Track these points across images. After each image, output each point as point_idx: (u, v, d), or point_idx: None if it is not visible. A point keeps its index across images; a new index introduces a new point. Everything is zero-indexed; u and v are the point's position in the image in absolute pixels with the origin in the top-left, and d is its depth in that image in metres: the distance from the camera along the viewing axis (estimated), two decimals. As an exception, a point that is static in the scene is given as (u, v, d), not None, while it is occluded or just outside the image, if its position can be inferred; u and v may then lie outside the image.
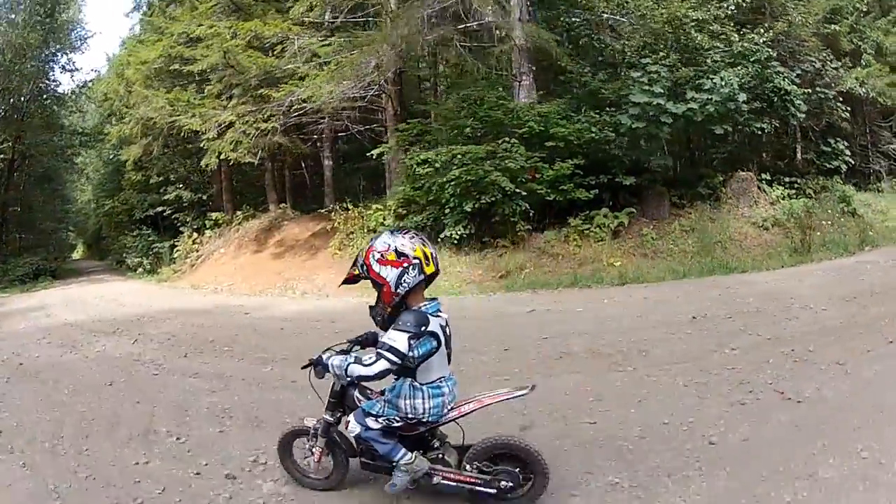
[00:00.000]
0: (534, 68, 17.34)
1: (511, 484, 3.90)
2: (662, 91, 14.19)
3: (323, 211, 22.94)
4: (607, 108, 15.37)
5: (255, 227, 24.47)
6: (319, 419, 4.35)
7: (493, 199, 14.21)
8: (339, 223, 19.71)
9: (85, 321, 13.83)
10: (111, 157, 34.36)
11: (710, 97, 14.10)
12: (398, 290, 3.80)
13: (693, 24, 15.84)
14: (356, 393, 4.23)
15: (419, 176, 15.98)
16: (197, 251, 25.39)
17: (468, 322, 9.50)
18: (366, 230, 18.72)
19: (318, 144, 24.90)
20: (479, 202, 14.37)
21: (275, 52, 20.05)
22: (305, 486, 4.56)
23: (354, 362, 3.81)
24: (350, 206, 20.23)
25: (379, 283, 3.84)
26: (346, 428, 4.15)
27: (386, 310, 3.90)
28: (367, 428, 3.98)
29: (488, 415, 4.82)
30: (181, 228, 27.07)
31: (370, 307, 4.01)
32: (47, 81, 31.17)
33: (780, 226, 15.25)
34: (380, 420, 3.96)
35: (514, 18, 16.74)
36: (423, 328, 3.72)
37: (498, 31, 17.19)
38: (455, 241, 15.23)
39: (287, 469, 4.69)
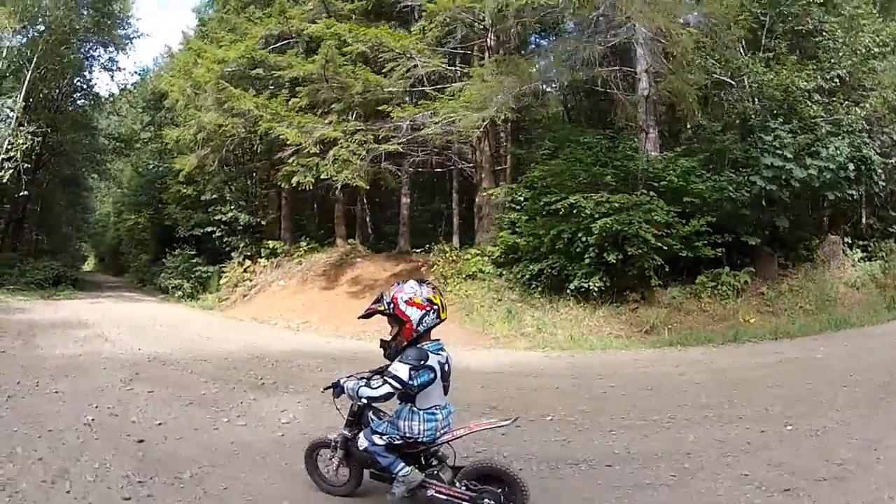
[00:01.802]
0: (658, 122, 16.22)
1: (493, 501, 4.20)
2: (790, 156, 13.99)
3: (396, 251, 21.12)
4: (739, 169, 14.86)
5: (321, 261, 21.33)
6: (339, 434, 4.81)
7: (638, 251, 13.22)
8: (438, 266, 17.52)
9: (174, 356, 10.95)
10: (150, 167, 30.59)
11: (826, 164, 14.02)
12: (419, 329, 4.34)
13: (802, 93, 15.33)
14: (370, 414, 4.67)
15: (536, 222, 15.23)
16: (249, 280, 21.91)
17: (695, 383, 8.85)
18: (463, 276, 16.76)
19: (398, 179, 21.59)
20: (621, 253, 13.39)
21: (383, 71, 17.41)
22: (324, 491, 4.97)
23: (365, 385, 4.37)
24: (447, 250, 18.22)
25: (402, 321, 4.34)
26: (357, 444, 4.58)
27: (402, 343, 4.37)
28: (373, 443, 4.43)
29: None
30: (231, 254, 23.47)
31: (382, 341, 4.55)
32: (86, 76, 27.89)
33: (866, 286, 15.22)
34: (384, 438, 4.42)
35: (640, 69, 15.72)
36: (422, 362, 4.23)
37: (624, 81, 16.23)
38: (583, 293, 14.10)
39: (310, 475, 5.07)
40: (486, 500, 4.24)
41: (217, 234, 23.36)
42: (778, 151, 13.99)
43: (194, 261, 23.96)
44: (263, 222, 23.70)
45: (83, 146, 27.96)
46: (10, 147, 22.19)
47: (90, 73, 28.38)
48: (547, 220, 14.86)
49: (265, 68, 18.86)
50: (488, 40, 18.54)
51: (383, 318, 4.51)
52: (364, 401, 4.47)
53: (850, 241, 16.57)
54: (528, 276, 15.19)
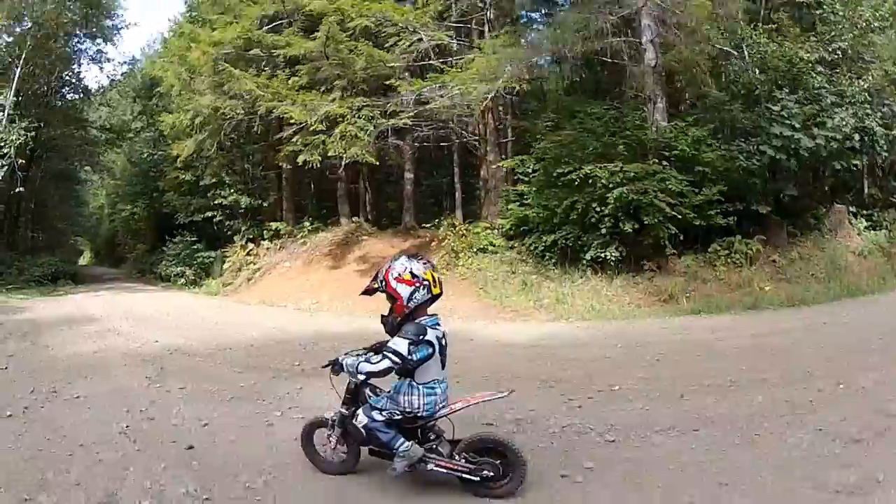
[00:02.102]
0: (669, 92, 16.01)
1: (492, 474, 4.25)
2: (798, 126, 13.94)
3: (402, 228, 20.76)
4: (748, 138, 14.78)
5: (326, 240, 20.91)
6: (336, 412, 4.72)
7: (654, 220, 13.13)
8: (449, 240, 17.09)
9: (195, 346, 10.42)
10: (144, 156, 29.87)
11: (832, 135, 14.00)
12: (409, 304, 4.29)
13: (805, 64, 15.24)
14: (367, 391, 4.62)
15: (547, 194, 15.06)
16: (254, 264, 21.47)
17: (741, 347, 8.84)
18: (474, 250, 16.57)
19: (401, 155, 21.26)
20: (637, 223, 13.28)
21: (385, 46, 17.13)
22: (322, 471, 4.84)
23: (364, 361, 4.30)
24: (456, 224, 17.81)
25: (394, 297, 4.30)
26: (356, 421, 4.48)
27: (396, 319, 4.34)
28: (373, 419, 4.38)
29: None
30: (233, 238, 22.93)
31: (382, 316, 4.46)
32: (75, 70, 27.17)
33: (872, 254, 15.49)
34: (383, 413, 4.38)
35: (646, 39, 15.43)
36: (420, 337, 4.19)
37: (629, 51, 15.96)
38: (599, 264, 14.01)
39: (307, 455, 4.97)
40: (486, 472, 4.29)
41: (218, 219, 22.89)
42: (786, 122, 13.96)
43: (195, 247, 23.50)
44: (265, 204, 23.18)
45: (75, 140, 27.35)
46: (2, 143, 21.52)
47: (79, 66, 27.70)
48: (559, 191, 14.64)
49: (263, 49, 18.28)
50: (488, 13, 18.18)
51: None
52: (363, 376, 4.38)
53: (853, 211, 16.84)
54: (541, 248, 15.12)
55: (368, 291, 4.50)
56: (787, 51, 15.07)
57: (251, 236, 22.30)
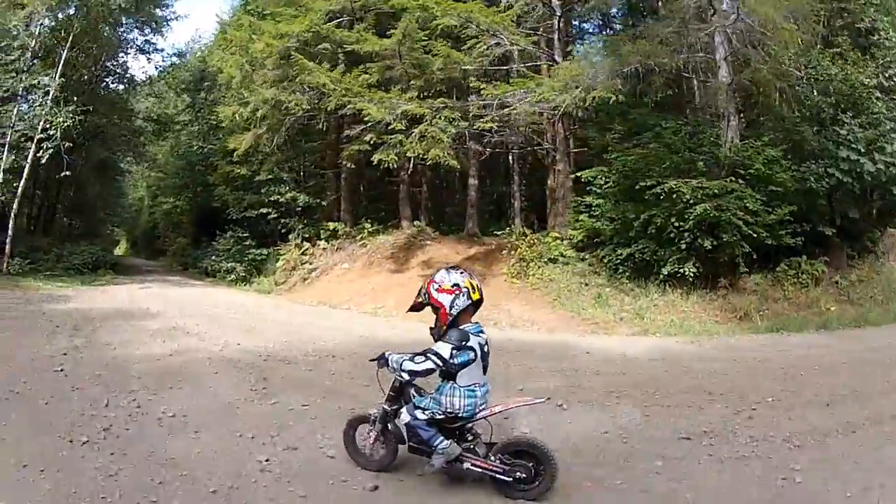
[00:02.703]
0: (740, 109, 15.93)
1: (525, 475, 4.48)
2: (863, 150, 13.96)
3: (465, 234, 20.41)
4: (817, 160, 14.64)
5: (387, 243, 20.37)
6: (379, 408, 4.95)
7: (731, 238, 13.06)
8: (520, 248, 16.68)
9: (287, 352, 9.71)
10: (193, 148, 29.36)
11: (891, 160, 14.11)
12: (451, 312, 4.57)
13: (866, 89, 15.14)
14: (412, 390, 4.83)
15: (622, 206, 15.07)
16: (309, 264, 20.94)
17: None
18: (544, 260, 16.21)
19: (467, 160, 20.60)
20: (715, 240, 13.21)
21: (463, 48, 16.62)
22: (360, 466, 5.02)
23: (409, 360, 4.57)
24: (527, 233, 17.61)
25: (437, 307, 4.61)
26: (399, 419, 4.76)
27: (442, 328, 4.61)
28: (415, 418, 4.62)
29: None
30: (287, 236, 22.44)
31: (430, 328, 4.75)
32: (121, 59, 26.76)
33: None
34: (426, 412, 4.61)
35: (720, 56, 15.30)
36: (463, 343, 4.47)
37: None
38: (676, 279, 13.85)
39: (348, 450, 5.15)
40: (519, 473, 4.50)
41: (272, 216, 22.32)
42: (853, 146, 13.97)
43: (246, 243, 22.98)
44: (323, 203, 22.63)
45: (119, 129, 26.79)
46: (48, 126, 20.94)
47: (125, 55, 27.15)
48: (636, 204, 14.50)
49: (331, 44, 17.65)
50: (557, 23, 17.91)
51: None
52: (405, 375, 4.61)
53: (905, 234, 16.74)
54: (615, 261, 14.89)
55: (416, 307, 4.83)
56: (849, 75, 15.03)
57: (306, 235, 21.79)
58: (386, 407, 4.92)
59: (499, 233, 19.30)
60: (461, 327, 4.61)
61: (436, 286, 4.65)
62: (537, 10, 17.56)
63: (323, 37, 17.99)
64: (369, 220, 21.83)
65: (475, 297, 4.67)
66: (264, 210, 22.30)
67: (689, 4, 14.97)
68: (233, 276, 22.37)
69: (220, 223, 24.98)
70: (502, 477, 4.52)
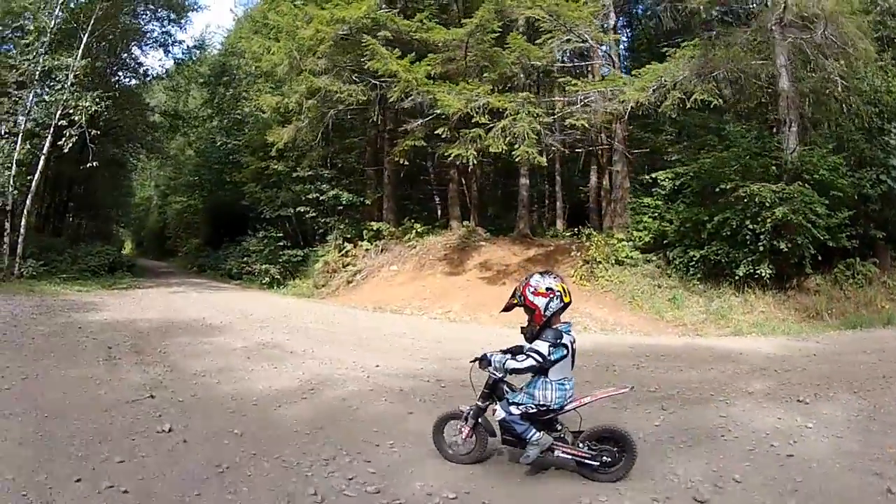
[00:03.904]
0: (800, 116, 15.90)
1: (610, 459, 4.75)
2: None
3: (516, 234, 19.72)
4: (870, 167, 14.98)
5: (438, 244, 19.49)
6: (472, 405, 5.15)
7: (804, 239, 13.29)
8: (591, 250, 16.16)
9: (438, 374, 8.24)
10: (216, 143, 27.73)
11: None
12: (546, 314, 4.81)
13: None
14: (504, 387, 5.08)
15: (692, 209, 15.11)
16: (352, 266, 19.81)
17: None
18: (612, 261, 15.84)
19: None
20: (792, 242, 13.36)
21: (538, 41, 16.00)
22: (450, 460, 5.19)
23: (511, 359, 4.85)
24: (594, 234, 16.90)
25: (531, 309, 4.86)
26: (493, 414, 4.99)
27: (535, 327, 4.87)
28: (510, 413, 4.84)
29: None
30: (326, 236, 21.30)
31: (522, 327, 5.01)
32: (135, 52, 25.22)
33: None
34: (520, 407, 4.85)
35: (780, 63, 15.08)
36: (558, 340, 4.74)
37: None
38: (754, 279, 13.94)
39: (436, 444, 5.33)
40: (605, 458, 4.75)
41: (310, 215, 21.17)
42: None
43: (280, 244, 21.70)
44: (368, 202, 21.42)
45: (135, 123, 25.13)
46: (71, 111, 19.30)
47: (141, 48, 25.78)
48: (707, 207, 14.70)
49: (390, 32, 16.58)
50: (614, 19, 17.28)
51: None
52: (508, 373, 4.91)
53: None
54: (686, 262, 14.92)
55: (508, 308, 5.09)
56: (893, 88, 15.58)
57: (348, 236, 20.62)
58: (480, 403, 5.16)
59: (554, 234, 19.30)
60: (554, 327, 4.87)
61: (531, 290, 4.89)
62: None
63: (381, 24, 16.99)
64: (413, 220, 20.81)
65: (567, 299, 4.90)
66: (302, 209, 21.12)
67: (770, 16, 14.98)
68: (267, 278, 21.07)
69: (240, 223, 23.89)
70: (591, 462, 4.77)
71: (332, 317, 14.34)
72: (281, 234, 21.85)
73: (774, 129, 16.71)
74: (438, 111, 15.05)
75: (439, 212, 22.77)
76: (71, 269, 20.73)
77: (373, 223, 20.47)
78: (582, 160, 20.73)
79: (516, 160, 15.22)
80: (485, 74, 15.68)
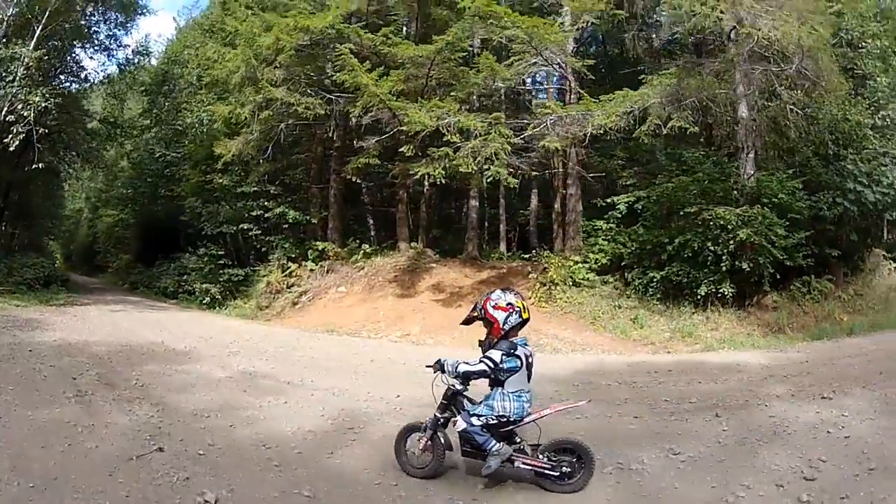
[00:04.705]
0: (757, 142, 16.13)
1: (569, 470, 4.87)
2: (866, 182, 15.02)
3: (465, 256, 19.09)
4: (825, 191, 15.57)
5: (388, 266, 18.49)
6: (431, 417, 5.22)
7: (765, 260, 13.60)
8: (550, 272, 15.79)
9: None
10: (156, 155, 25.81)
11: (887, 191, 15.21)
12: (504, 327, 4.97)
13: (864, 128, 16.22)
14: (465, 401, 5.17)
15: (655, 231, 15.21)
16: (297, 286, 18.58)
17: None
18: (570, 283, 15.62)
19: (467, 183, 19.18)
20: (753, 262, 13.65)
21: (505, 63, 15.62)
22: (409, 474, 5.20)
23: (463, 363, 5.02)
24: (551, 256, 16.59)
25: (490, 322, 5.02)
26: (455, 426, 5.05)
27: (493, 340, 5.02)
28: (471, 424, 4.92)
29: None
30: (267, 255, 19.90)
31: (479, 340, 5.19)
32: (77, 55, 23.26)
33: None
34: (480, 418, 4.93)
35: (740, 92, 15.31)
36: (512, 351, 4.89)
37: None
38: (717, 298, 14.09)
39: (397, 458, 5.34)
40: (564, 468, 4.86)
41: (253, 232, 19.75)
42: (858, 179, 15.07)
43: (221, 262, 20.16)
44: (314, 221, 20.24)
45: (74, 130, 22.95)
46: (20, 105, 17.64)
47: (86, 50, 23.77)
48: (668, 229, 14.90)
49: (354, 45, 15.76)
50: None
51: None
52: (459, 376, 5.04)
53: (884, 254, 17.99)
54: (644, 283, 15.00)
55: (468, 321, 5.23)
56: (848, 115, 16.06)
57: (292, 255, 19.34)
58: (437, 414, 5.22)
59: (499, 256, 19.19)
60: (510, 339, 5.01)
61: (492, 303, 5.04)
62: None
63: (344, 36, 16.10)
64: (358, 240, 19.94)
65: (525, 315, 5.08)
66: (245, 226, 19.74)
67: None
68: (207, 298, 19.62)
69: (173, 239, 22.56)
70: (550, 472, 4.88)
71: (296, 341, 13.20)
72: (222, 252, 20.42)
73: (731, 156, 16.91)
74: (404, 128, 14.26)
75: (373, 232, 21.77)
76: (7, 281, 18.87)
77: (318, 243, 19.34)
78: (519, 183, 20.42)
79: (468, 182, 15.44)
80: (452, 93, 15.07)
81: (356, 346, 13.04)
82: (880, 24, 18.64)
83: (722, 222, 13.64)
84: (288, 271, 18.85)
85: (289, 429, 6.46)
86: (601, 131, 14.52)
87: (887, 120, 17.03)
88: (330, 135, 18.03)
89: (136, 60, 25.56)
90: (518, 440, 5.08)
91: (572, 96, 16.50)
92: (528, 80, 19.77)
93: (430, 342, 13.48)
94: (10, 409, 6.58)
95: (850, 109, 16.18)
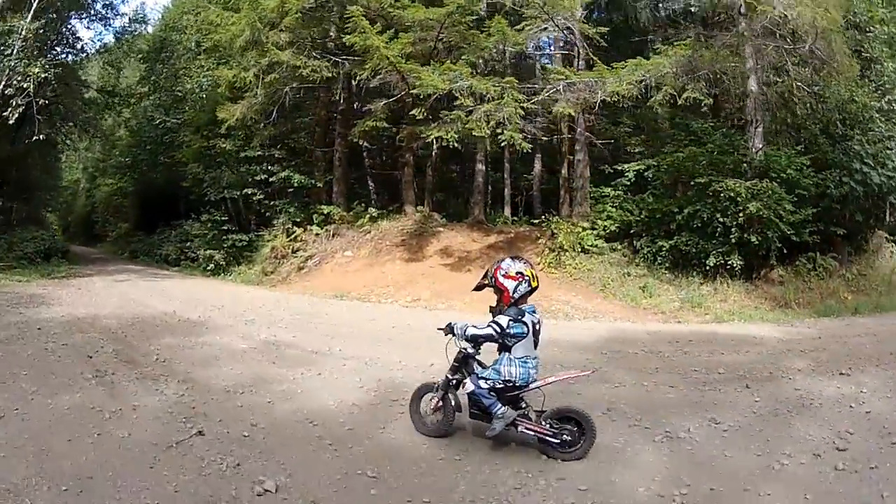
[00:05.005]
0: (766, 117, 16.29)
1: (570, 439, 4.92)
2: (872, 164, 14.96)
3: (471, 220, 18.95)
4: (833, 170, 15.46)
5: (394, 230, 18.26)
6: (442, 378, 5.38)
7: (774, 233, 13.64)
8: (559, 237, 15.61)
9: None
10: (155, 122, 25.23)
11: (893, 174, 15.18)
12: (514, 295, 5.04)
13: (871, 110, 16.24)
14: (475, 364, 5.27)
15: (666, 200, 15.19)
16: (303, 251, 18.33)
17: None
18: (578, 250, 15.48)
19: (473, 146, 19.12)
20: (761, 236, 13.67)
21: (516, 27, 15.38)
22: (421, 433, 5.39)
23: (472, 326, 5.13)
24: (560, 222, 16.28)
25: (501, 290, 5.08)
26: (464, 388, 5.14)
27: (503, 307, 5.08)
28: (479, 387, 5.02)
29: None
30: (271, 220, 19.55)
31: (490, 307, 5.24)
32: (79, 22, 22.76)
33: None
34: (488, 382, 5.04)
35: (748, 67, 15.26)
36: (519, 317, 4.96)
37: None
38: (725, 269, 14.08)
39: (411, 417, 5.52)
40: (565, 436, 4.92)
41: (258, 197, 19.39)
42: (865, 160, 15.00)
43: (224, 228, 19.84)
44: (319, 184, 19.86)
45: (72, 101, 22.35)
46: (20, 77, 17.12)
47: (82, 20, 23.32)
48: (677, 199, 14.99)
49: (363, 6, 15.37)
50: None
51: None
52: (468, 339, 5.13)
53: (886, 236, 18.09)
54: (653, 252, 14.97)
55: (479, 287, 5.31)
56: (856, 97, 16.09)
57: (297, 220, 19.01)
58: (449, 376, 5.35)
59: (504, 220, 19.09)
60: (519, 307, 5.08)
61: (502, 272, 5.10)
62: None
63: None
64: (363, 204, 19.68)
65: (534, 284, 5.15)
66: (249, 191, 19.37)
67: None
68: (211, 265, 19.31)
69: (172, 206, 22.39)
70: (551, 439, 4.93)
71: (309, 307, 12.96)
72: (225, 218, 20.10)
73: (738, 128, 16.97)
74: (415, 91, 13.99)
75: (374, 196, 21.59)
76: (7, 256, 18.47)
77: (323, 207, 18.98)
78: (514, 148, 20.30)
79: (474, 145, 15.07)
80: (463, 57, 14.72)
81: (370, 311, 12.85)
82: (887, 9, 18.65)
83: (732, 194, 13.69)
84: (293, 236, 18.55)
85: (331, 402, 6.22)
86: (614, 98, 14.35)
87: (893, 104, 17.16)
88: (337, 97, 17.63)
89: (132, 29, 24.95)
90: (524, 405, 5.18)
91: (580, 62, 16.25)
92: (531, 46, 19.34)
93: (441, 307, 13.29)
94: (27, 397, 6.08)
95: (857, 91, 16.24)
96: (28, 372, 6.93)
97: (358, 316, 12.12)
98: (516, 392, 5.08)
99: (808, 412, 5.99)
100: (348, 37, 14.54)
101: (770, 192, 13.67)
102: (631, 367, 7.68)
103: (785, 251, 14.15)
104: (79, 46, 23.07)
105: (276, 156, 19.59)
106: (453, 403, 5.30)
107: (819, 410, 6.04)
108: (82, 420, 5.49)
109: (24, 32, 17.53)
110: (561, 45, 18.16)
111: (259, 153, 19.34)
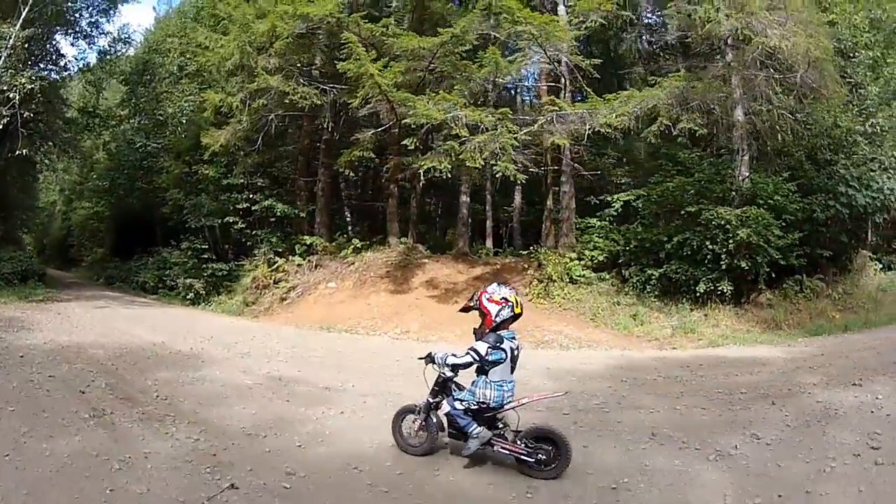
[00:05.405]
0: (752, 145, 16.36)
1: (546, 458, 5.04)
2: (857, 186, 15.22)
3: (456, 252, 18.67)
4: (819, 194, 15.65)
5: (379, 261, 17.73)
6: (424, 400, 5.55)
7: (763, 259, 13.77)
8: (548, 268, 15.40)
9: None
10: (136, 145, 24.27)
11: (876, 195, 15.43)
12: (496, 319, 5.21)
13: (855, 134, 16.47)
14: (453, 385, 5.47)
15: (654, 229, 15.30)
16: (284, 282, 17.70)
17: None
18: (566, 280, 15.33)
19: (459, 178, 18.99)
20: (749, 261, 13.80)
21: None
22: (403, 451, 5.57)
23: (451, 355, 5.32)
24: (548, 253, 16.10)
25: (484, 313, 5.28)
26: (440, 409, 5.40)
27: (485, 331, 5.27)
28: (454, 408, 5.24)
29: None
30: (252, 250, 18.87)
31: (474, 329, 5.44)
32: (57, 41, 22.07)
33: (891, 290, 16.51)
34: (463, 403, 5.25)
35: (735, 97, 15.45)
36: (498, 344, 5.14)
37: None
38: (717, 296, 14.13)
39: (394, 437, 5.69)
40: (540, 455, 5.06)
41: (240, 226, 18.83)
42: (851, 183, 15.28)
43: (204, 256, 19.19)
44: (302, 214, 19.38)
45: (53, 119, 21.46)
46: (6, 87, 16.54)
47: (67, 36, 22.66)
48: (668, 227, 14.99)
49: (355, 34, 15.16)
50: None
51: None
52: (448, 367, 5.32)
53: (870, 255, 18.38)
54: (642, 280, 15.00)
55: (466, 309, 5.56)
56: (844, 122, 16.35)
57: (279, 249, 18.41)
58: (430, 399, 5.52)
59: (486, 252, 19.04)
60: (499, 332, 5.23)
61: (487, 296, 5.28)
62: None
63: (344, 25, 15.47)
64: (345, 235, 19.28)
65: (517, 310, 5.28)
66: (231, 219, 18.79)
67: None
68: (190, 294, 18.59)
69: (149, 232, 21.84)
70: (526, 458, 5.06)
71: (302, 340, 12.48)
72: (206, 246, 19.43)
73: (722, 157, 16.99)
74: (406, 120, 13.75)
75: (350, 227, 21.09)
76: (-16, 275, 17.64)
77: (305, 237, 18.50)
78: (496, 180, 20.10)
79: (459, 177, 15.16)
80: (456, 87, 14.53)
81: (366, 344, 12.49)
82: (871, 34, 19.09)
83: (722, 222, 13.81)
84: (275, 266, 17.92)
85: (368, 444, 5.81)
86: (606, 130, 14.34)
87: (877, 127, 17.48)
88: (324, 125, 17.30)
89: (117, 48, 24.23)
90: (500, 426, 5.36)
91: (567, 94, 16.19)
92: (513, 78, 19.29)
93: (433, 338, 12.87)
94: (19, 439, 5.37)
95: (841, 116, 16.51)
96: (15, 408, 6.28)
97: (355, 348, 11.77)
98: (491, 413, 5.28)
99: (836, 420, 6.40)
100: (342, 63, 14.33)
101: (758, 218, 13.86)
102: (656, 393, 7.89)
103: (773, 275, 14.31)
104: (62, 63, 22.41)
105: (259, 184, 19.14)
106: (436, 423, 5.50)
107: (845, 418, 6.45)
108: (88, 471, 4.80)
109: (11, 40, 16.97)
110: (545, 76, 18.10)
111: (242, 181, 18.89)
